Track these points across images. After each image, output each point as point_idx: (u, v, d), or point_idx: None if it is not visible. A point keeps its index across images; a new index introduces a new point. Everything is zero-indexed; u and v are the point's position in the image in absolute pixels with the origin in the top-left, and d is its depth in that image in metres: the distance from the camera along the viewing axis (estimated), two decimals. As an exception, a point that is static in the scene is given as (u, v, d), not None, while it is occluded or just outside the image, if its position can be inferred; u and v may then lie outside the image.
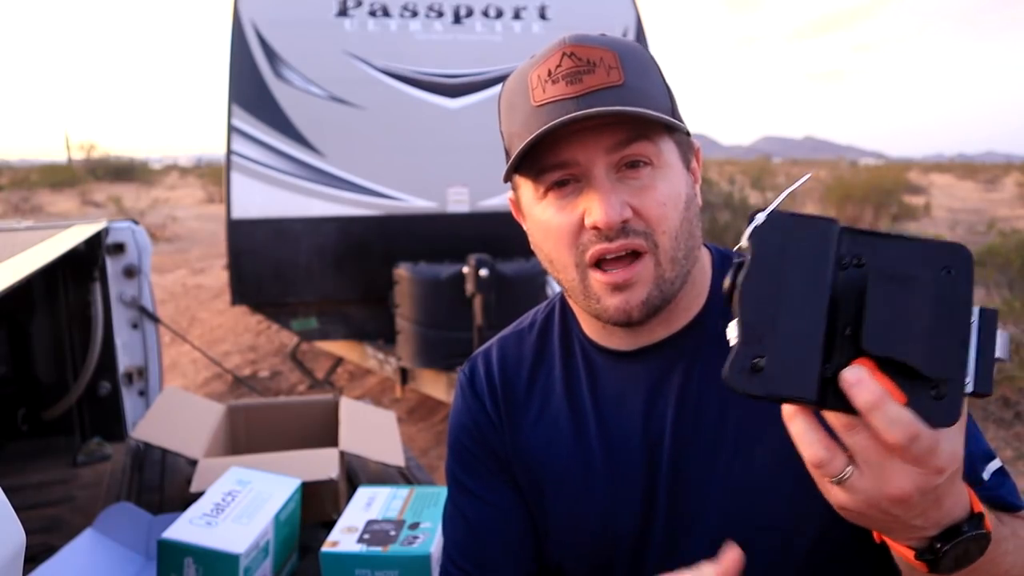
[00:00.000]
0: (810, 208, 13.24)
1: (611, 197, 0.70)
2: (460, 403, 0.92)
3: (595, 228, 0.71)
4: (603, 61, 0.70)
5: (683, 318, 0.79)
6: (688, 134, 0.77)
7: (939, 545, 0.54)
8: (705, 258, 0.83)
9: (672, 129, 0.73)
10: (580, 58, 0.70)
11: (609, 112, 0.68)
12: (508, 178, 0.78)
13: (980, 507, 0.56)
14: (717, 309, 0.79)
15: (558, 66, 0.71)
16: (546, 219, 0.74)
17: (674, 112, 0.74)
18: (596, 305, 0.75)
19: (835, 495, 0.53)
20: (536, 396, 0.86)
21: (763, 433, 0.73)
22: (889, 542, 0.58)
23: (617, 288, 0.73)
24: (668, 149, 0.74)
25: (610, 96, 0.69)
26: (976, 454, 0.72)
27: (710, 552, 0.73)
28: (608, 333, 0.82)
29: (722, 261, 0.83)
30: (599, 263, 0.73)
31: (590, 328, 0.84)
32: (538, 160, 0.72)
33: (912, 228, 11.28)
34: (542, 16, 4.44)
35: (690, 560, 0.74)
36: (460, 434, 0.90)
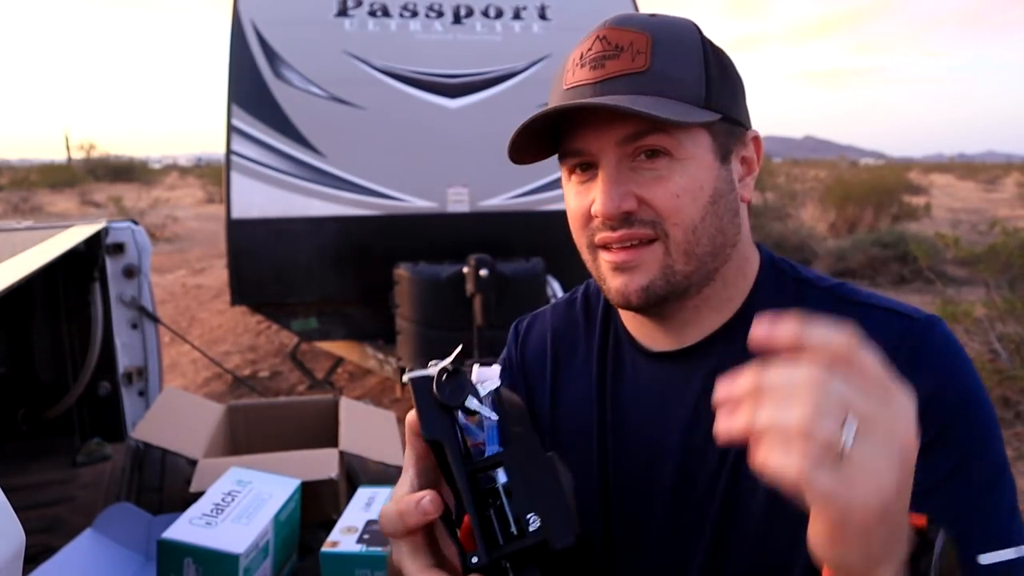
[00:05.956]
0: (809, 209, 13.21)
1: (613, 188, 0.68)
2: (507, 344, 0.94)
3: (597, 217, 0.70)
4: (632, 45, 0.68)
5: (713, 322, 0.75)
6: (737, 123, 0.72)
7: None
8: (751, 260, 0.77)
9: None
10: (610, 42, 0.68)
11: (594, 105, 0.65)
12: (515, 158, 0.74)
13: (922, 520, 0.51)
14: (750, 317, 0.72)
15: (589, 49, 0.70)
16: (568, 200, 0.75)
17: (710, 100, 0.69)
18: (604, 286, 0.74)
19: (823, 486, 0.41)
20: (562, 371, 0.86)
21: None
22: None
23: (619, 269, 0.71)
24: (693, 141, 0.69)
25: (628, 83, 0.67)
26: (978, 535, 0.64)
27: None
28: (639, 326, 0.79)
29: (771, 268, 0.77)
30: (607, 245, 0.72)
31: (625, 317, 0.82)
32: (563, 144, 0.72)
33: (913, 228, 11.27)
34: (542, 16, 4.44)
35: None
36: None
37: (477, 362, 0.61)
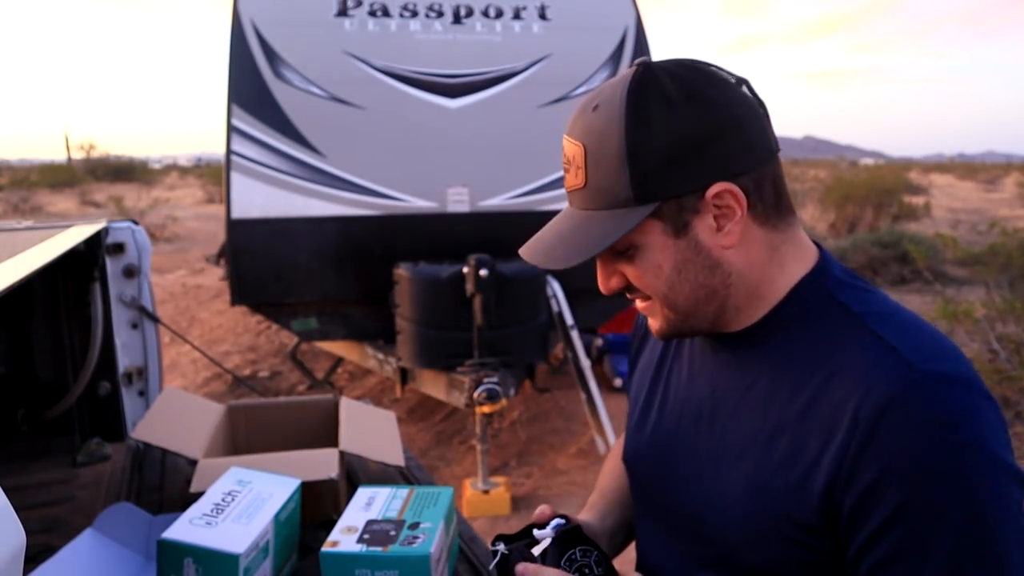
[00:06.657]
0: (809, 209, 13.22)
1: (602, 274, 0.83)
2: None
3: None
4: (573, 160, 0.78)
5: (742, 322, 0.82)
6: (683, 194, 0.74)
7: None
8: (776, 280, 0.80)
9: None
10: (565, 154, 0.80)
11: (529, 255, 0.81)
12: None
13: None
14: (776, 321, 0.80)
15: (563, 153, 0.81)
16: None
17: (644, 193, 0.73)
18: None
19: None
20: (644, 351, 1.04)
21: (745, 453, 0.79)
22: None
23: (643, 312, 0.86)
24: (642, 232, 0.76)
25: (578, 197, 0.79)
26: None
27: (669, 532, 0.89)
28: None
29: (810, 283, 0.80)
30: None
31: None
32: None
33: (912, 228, 11.27)
34: (542, 16, 4.44)
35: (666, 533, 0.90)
36: None
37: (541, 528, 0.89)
